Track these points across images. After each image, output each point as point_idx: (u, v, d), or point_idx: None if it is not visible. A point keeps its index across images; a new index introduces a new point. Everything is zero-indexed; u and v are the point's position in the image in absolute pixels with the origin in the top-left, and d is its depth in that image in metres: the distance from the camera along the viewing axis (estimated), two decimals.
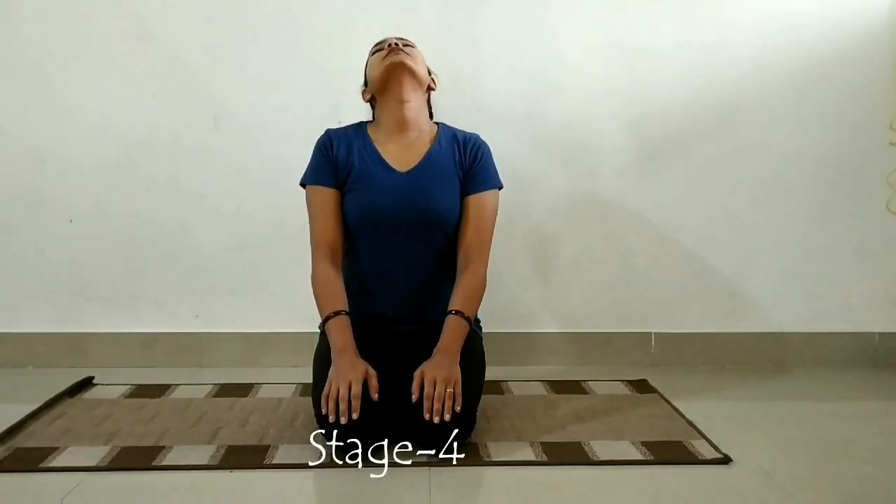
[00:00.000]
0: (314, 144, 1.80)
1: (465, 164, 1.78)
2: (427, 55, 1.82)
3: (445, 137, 1.80)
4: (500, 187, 1.81)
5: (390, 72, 1.71)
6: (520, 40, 2.22)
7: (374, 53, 1.80)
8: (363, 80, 1.84)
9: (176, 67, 2.20)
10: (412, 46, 1.79)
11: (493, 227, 1.79)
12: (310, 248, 1.74)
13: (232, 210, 2.25)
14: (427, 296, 1.77)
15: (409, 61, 1.72)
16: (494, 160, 1.82)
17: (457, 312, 1.65)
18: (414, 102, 1.76)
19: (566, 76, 2.24)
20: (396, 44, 1.74)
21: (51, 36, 2.18)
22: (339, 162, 1.75)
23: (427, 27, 2.18)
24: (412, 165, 1.76)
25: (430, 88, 1.82)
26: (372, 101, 1.84)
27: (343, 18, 2.21)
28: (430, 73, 1.82)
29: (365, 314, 1.76)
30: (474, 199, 1.76)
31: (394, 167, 1.75)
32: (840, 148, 2.28)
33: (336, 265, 1.72)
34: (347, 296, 1.69)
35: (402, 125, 1.77)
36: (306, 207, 1.77)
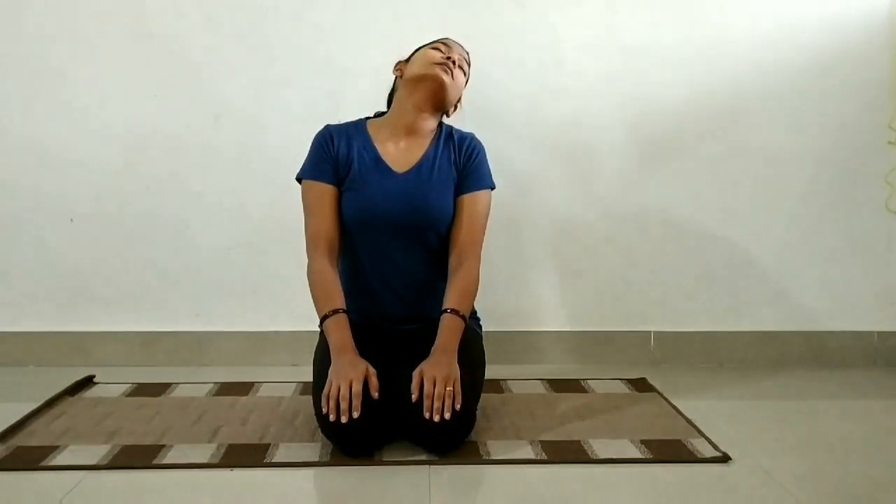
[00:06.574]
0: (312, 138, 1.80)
1: (459, 163, 1.78)
2: None
3: (442, 137, 1.81)
4: (493, 188, 1.81)
5: (428, 81, 1.73)
6: (520, 40, 2.23)
7: (431, 47, 1.79)
8: (407, 56, 1.84)
9: (177, 66, 2.20)
10: (465, 67, 1.81)
11: (486, 226, 1.79)
12: (305, 244, 1.74)
13: (232, 209, 2.25)
14: (423, 294, 1.77)
15: (449, 83, 1.74)
16: (489, 161, 1.82)
17: (452, 311, 1.65)
18: (430, 118, 1.78)
19: (566, 76, 2.24)
20: (454, 60, 1.75)
21: (52, 35, 2.18)
22: (339, 158, 1.75)
23: (427, 27, 2.17)
24: (410, 167, 1.76)
25: (445, 113, 1.84)
26: (396, 81, 1.84)
27: (343, 18, 2.21)
28: (458, 100, 1.84)
29: (362, 313, 1.76)
30: (468, 199, 1.77)
31: (392, 168, 1.75)
32: (839, 147, 2.28)
33: (333, 262, 1.72)
34: (344, 295, 1.69)
35: (409, 131, 1.77)
36: (302, 202, 1.76)
